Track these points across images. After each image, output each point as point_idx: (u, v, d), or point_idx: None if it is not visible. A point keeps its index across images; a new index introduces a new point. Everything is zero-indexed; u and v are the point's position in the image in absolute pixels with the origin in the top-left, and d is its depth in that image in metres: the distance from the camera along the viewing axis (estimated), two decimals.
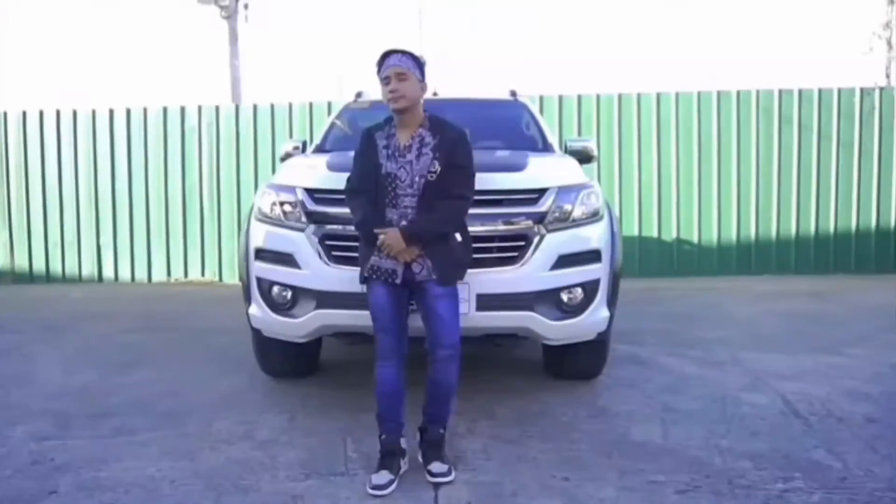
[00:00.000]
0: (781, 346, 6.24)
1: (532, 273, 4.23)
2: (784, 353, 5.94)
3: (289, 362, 5.20)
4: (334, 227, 4.29)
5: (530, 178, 4.43)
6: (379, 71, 3.79)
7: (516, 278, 4.22)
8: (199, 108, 12.04)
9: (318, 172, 4.59)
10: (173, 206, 11.90)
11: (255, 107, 12.08)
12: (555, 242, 4.29)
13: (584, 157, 5.79)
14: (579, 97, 11.69)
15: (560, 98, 11.67)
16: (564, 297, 4.36)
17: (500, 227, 4.25)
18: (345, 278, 4.13)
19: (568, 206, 4.40)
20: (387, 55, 3.76)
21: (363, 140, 3.85)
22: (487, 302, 4.17)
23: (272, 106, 11.96)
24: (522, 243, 4.26)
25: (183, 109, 12.03)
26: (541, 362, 5.38)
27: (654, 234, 11.41)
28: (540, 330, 4.32)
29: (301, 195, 4.40)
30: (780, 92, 11.50)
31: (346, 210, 4.07)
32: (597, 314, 4.47)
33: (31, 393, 5.10)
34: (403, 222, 3.63)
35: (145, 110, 12.03)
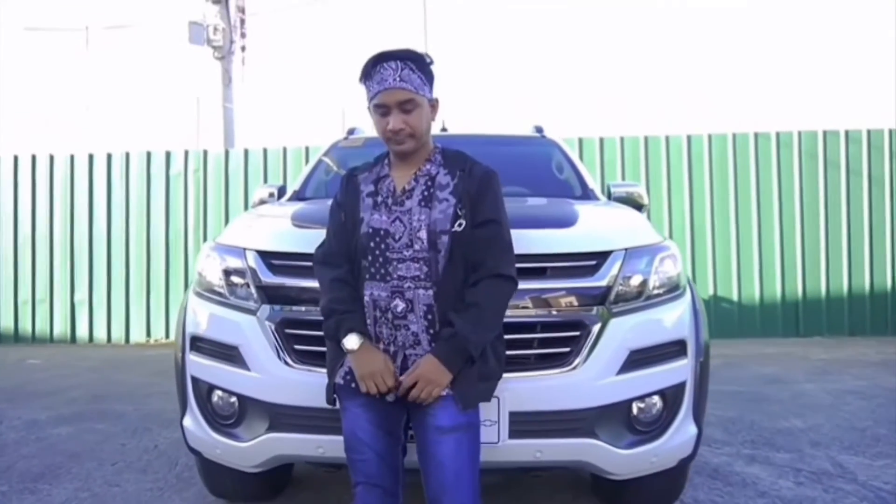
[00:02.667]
0: (891, 445, 4.71)
1: (592, 379, 2.75)
2: None
3: (245, 484, 3.64)
4: (299, 308, 2.84)
5: (585, 237, 2.97)
6: (367, 87, 2.41)
7: (569, 388, 2.73)
8: (186, 153, 10.74)
9: (278, 228, 3.15)
10: (155, 260, 10.53)
11: (245, 151, 10.74)
12: (623, 332, 2.82)
13: (631, 207, 4.34)
14: (601, 140, 10.34)
15: (580, 141, 10.31)
16: (636, 410, 2.88)
17: (544, 311, 2.78)
18: (313, 386, 2.67)
19: (639, 278, 2.95)
20: (377, 62, 2.35)
21: (342, 187, 2.51)
22: (526, 424, 2.68)
23: (265, 150, 10.63)
24: (576, 334, 2.78)
25: (168, 154, 10.72)
26: (587, 480, 3.88)
27: None
28: (603, 463, 2.82)
29: (252, 261, 2.95)
30: (825, 133, 10.10)
31: (317, 284, 2.66)
32: (682, 433, 2.97)
33: None
34: (398, 303, 2.27)
35: (127, 155, 10.73)
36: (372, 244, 2.31)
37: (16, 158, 10.82)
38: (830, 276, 9.84)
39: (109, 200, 10.65)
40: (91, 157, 10.75)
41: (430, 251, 2.27)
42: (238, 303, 2.95)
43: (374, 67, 2.35)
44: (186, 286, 10.36)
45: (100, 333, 10.45)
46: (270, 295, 2.87)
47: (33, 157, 10.80)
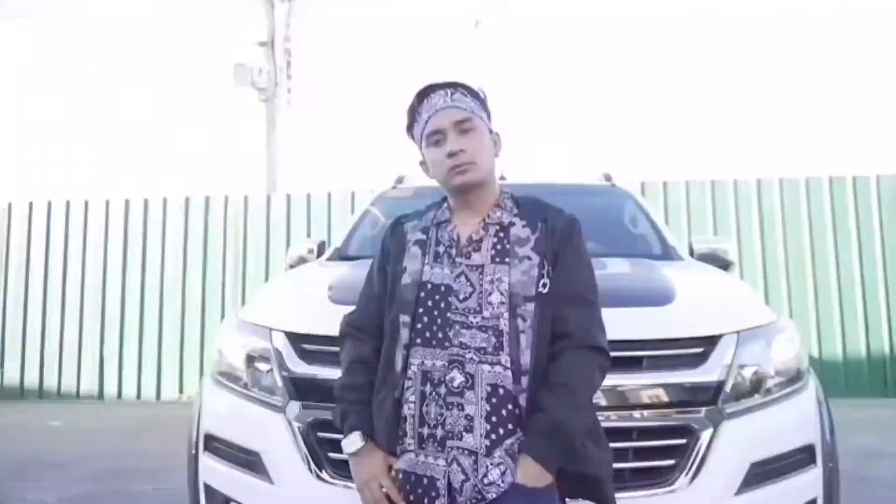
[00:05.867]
0: None
1: (706, 501, 2.20)
2: None
3: None
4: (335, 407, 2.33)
5: (688, 318, 2.43)
6: (413, 123, 2.02)
7: None
8: (226, 199, 10.35)
9: (312, 303, 2.66)
10: (190, 310, 10.07)
11: (288, 196, 10.33)
12: (742, 439, 2.29)
13: (716, 266, 3.79)
14: (665, 184, 9.74)
15: (642, 185, 9.70)
16: None
17: (641, 413, 2.25)
18: None
19: (754, 370, 2.40)
20: (427, 93, 1.97)
21: (385, 237, 2.08)
22: None
23: (308, 196, 10.21)
24: (682, 441, 2.25)
25: (207, 200, 10.33)
26: None
27: None
28: None
29: (279, 344, 2.46)
30: None
31: None
32: None
33: None
34: (456, 375, 1.81)
35: (165, 201, 10.38)
36: (428, 302, 1.87)
37: (49, 204, 10.53)
38: None
39: (144, 248, 10.28)
40: (127, 202, 10.43)
41: (509, 319, 1.81)
42: (262, 396, 2.46)
43: (420, 101, 1.97)
44: None
45: (129, 390, 9.97)
46: (300, 388, 2.38)
47: (67, 203, 10.50)
